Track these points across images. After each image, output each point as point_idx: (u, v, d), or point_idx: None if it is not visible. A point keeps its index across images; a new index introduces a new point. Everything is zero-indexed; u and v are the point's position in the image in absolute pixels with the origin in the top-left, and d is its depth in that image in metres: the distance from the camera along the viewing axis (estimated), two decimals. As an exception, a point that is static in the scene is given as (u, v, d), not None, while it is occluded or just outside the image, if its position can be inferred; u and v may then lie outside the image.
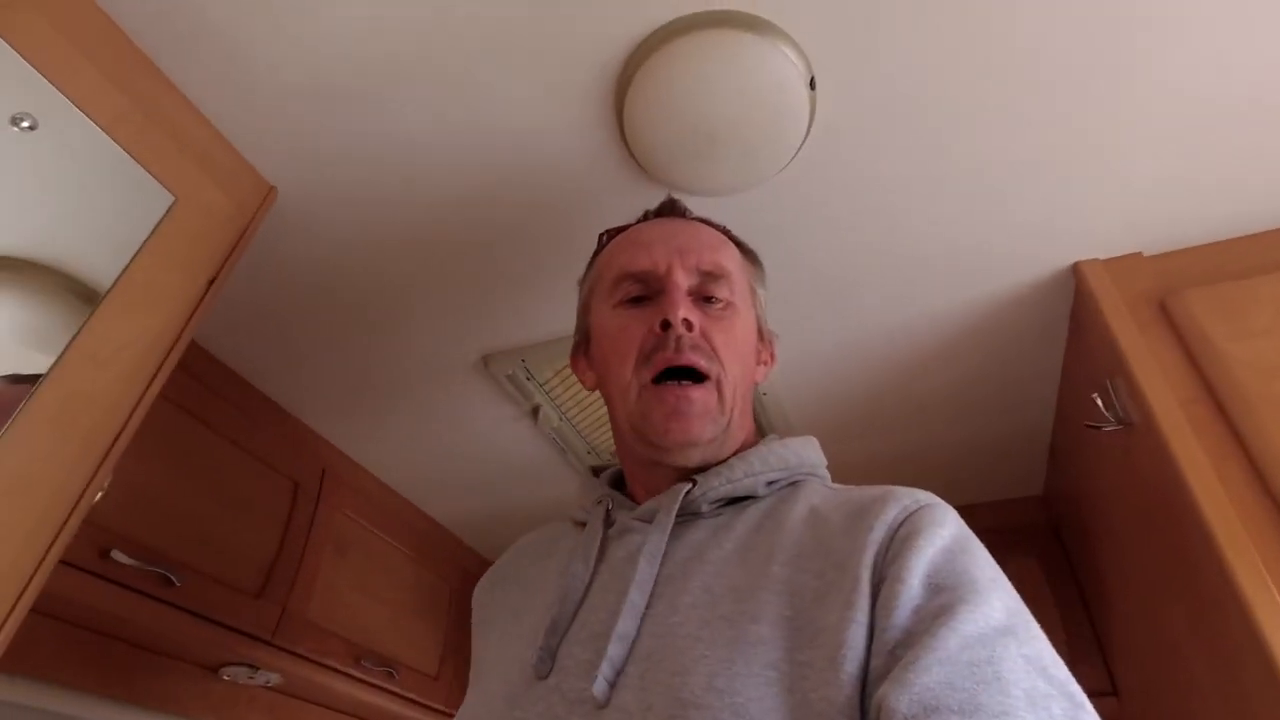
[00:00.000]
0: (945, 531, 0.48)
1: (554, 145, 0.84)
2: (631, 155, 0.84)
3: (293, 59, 0.75)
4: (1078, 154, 0.85)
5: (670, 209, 0.71)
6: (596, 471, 0.70)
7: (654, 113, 0.77)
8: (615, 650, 0.48)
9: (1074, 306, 1.02)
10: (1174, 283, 0.91)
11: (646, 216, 0.72)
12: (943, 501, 0.52)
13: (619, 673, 0.47)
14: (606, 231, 0.73)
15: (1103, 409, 0.92)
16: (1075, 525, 1.29)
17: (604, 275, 0.67)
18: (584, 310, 0.70)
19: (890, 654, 0.42)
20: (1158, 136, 0.83)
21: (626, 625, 0.49)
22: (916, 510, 0.50)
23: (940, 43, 0.74)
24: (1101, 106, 0.80)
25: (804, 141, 0.81)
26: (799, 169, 0.85)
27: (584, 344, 0.70)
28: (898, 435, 1.33)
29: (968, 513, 0.54)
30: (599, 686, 0.46)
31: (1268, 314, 0.83)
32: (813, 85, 0.76)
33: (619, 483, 0.67)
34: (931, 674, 0.39)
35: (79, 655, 0.97)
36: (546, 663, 0.51)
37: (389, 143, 0.83)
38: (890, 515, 0.50)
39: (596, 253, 0.72)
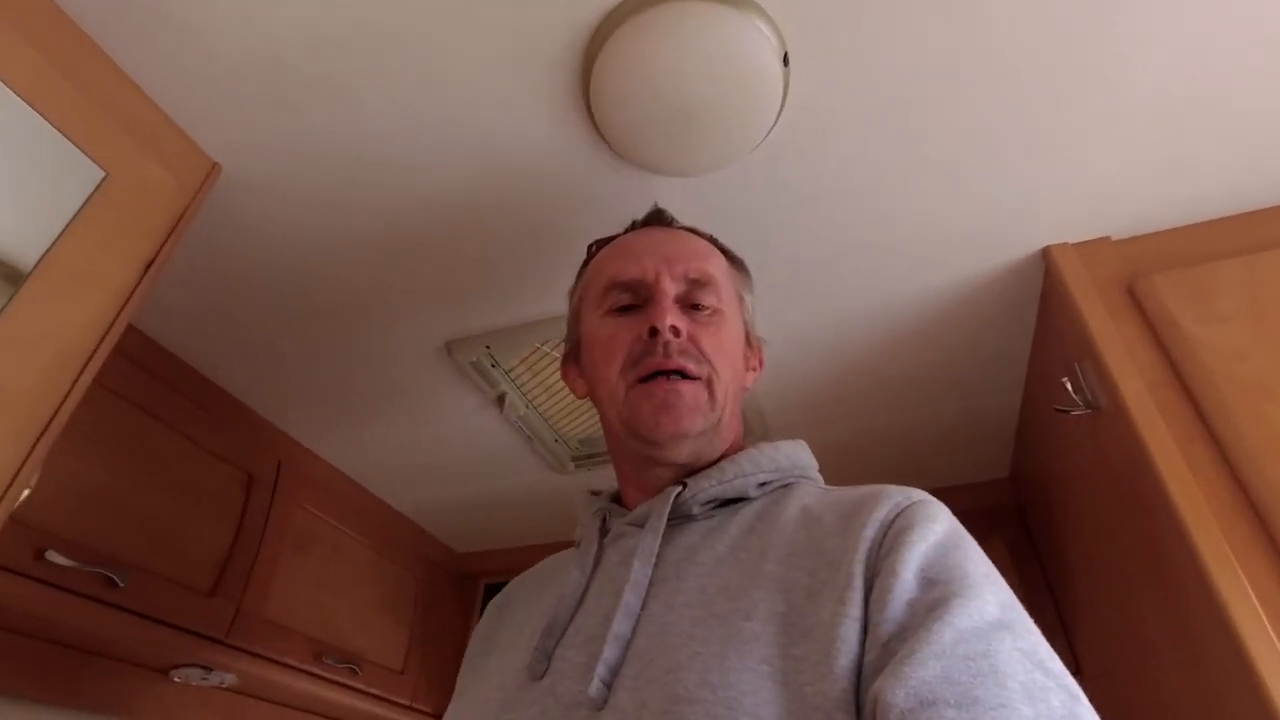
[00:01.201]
0: (938, 527, 0.49)
1: (517, 123, 0.80)
2: (599, 132, 0.80)
3: (236, 28, 0.70)
4: (1048, 140, 0.84)
5: (658, 219, 0.72)
6: (595, 494, 0.70)
7: (622, 87, 0.73)
8: (610, 652, 0.47)
9: (1043, 290, 1.02)
10: (1141, 267, 0.91)
11: (634, 226, 0.73)
12: (934, 498, 0.53)
13: (614, 674, 0.47)
14: (595, 242, 0.74)
15: (1071, 392, 0.92)
16: (1041, 508, 1.30)
17: (593, 284, 0.68)
18: (574, 319, 0.71)
19: (884, 647, 0.42)
20: (1126, 124, 0.83)
21: (621, 627, 0.49)
22: (909, 506, 0.51)
23: (916, 25, 0.72)
24: (1072, 95, 0.79)
25: (777, 120, 0.79)
26: (771, 149, 0.83)
27: (574, 353, 0.70)
28: (866, 420, 1.33)
29: (936, 496, 0.54)
30: (595, 689, 0.46)
31: (1232, 298, 0.84)
32: (786, 61, 0.74)
33: (617, 499, 0.68)
34: (927, 668, 0.39)
35: (14, 661, 0.92)
36: (542, 663, 0.51)
37: (341, 119, 0.79)
38: (883, 512, 0.50)
39: (586, 263, 0.73)
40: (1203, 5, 0.72)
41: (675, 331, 0.59)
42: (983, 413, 1.30)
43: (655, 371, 0.59)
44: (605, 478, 0.96)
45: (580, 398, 0.70)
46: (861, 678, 0.41)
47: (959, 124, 0.82)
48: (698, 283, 0.64)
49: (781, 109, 0.78)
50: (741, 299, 0.69)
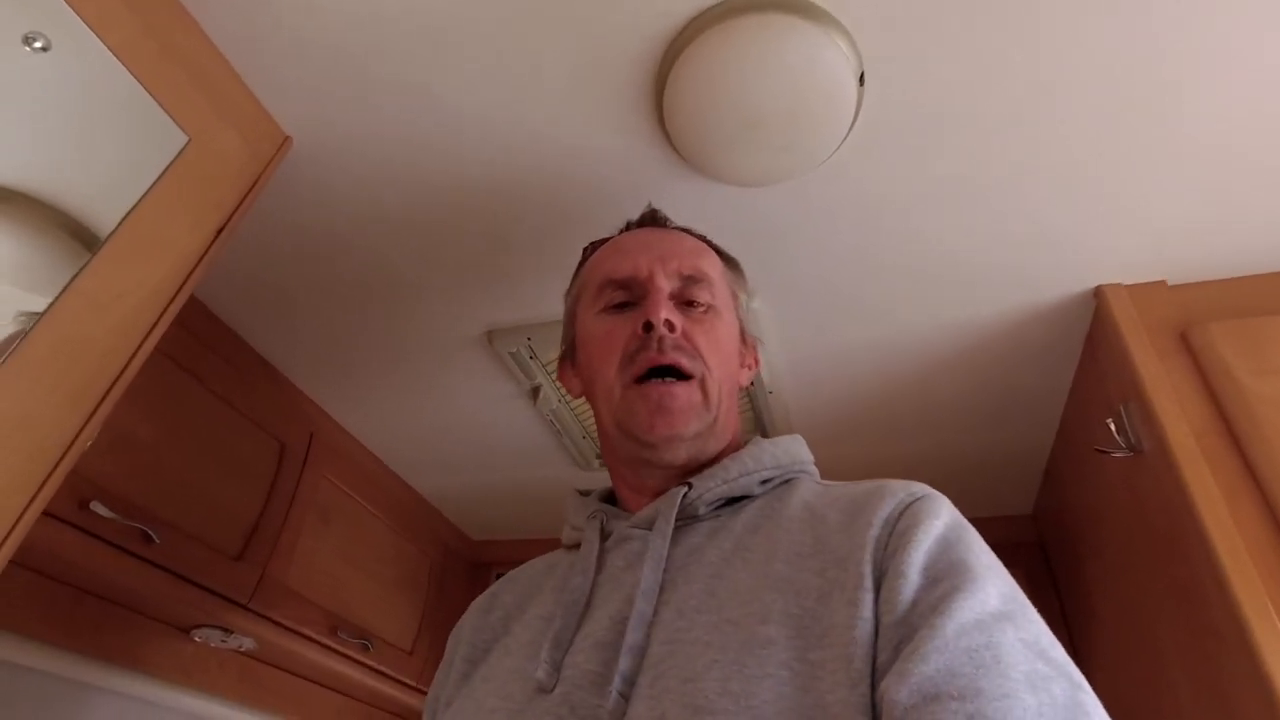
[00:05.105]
0: (939, 522, 0.49)
1: (586, 123, 0.81)
2: (666, 136, 0.81)
3: (320, 6, 0.71)
4: (1109, 181, 0.84)
5: (652, 219, 0.73)
6: (584, 494, 0.69)
7: (696, 94, 0.74)
8: (626, 663, 0.46)
9: (1091, 329, 1.02)
10: (1196, 314, 0.91)
11: (629, 227, 0.73)
12: (936, 492, 0.53)
13: (631, 685, 0.46)
14: (591, 244, 0.75)
15: (1114, 433, 0.91)
16: (1065, 546, 1.29)
17: (588, 284, 0.68)
18: (570, 320, 0.71)
19: (895, 649, 0.42)
20: (1189, 170, 0.82)
21: (635, 636, 0.48)
22: (912, 503, 0.51)
23: (994, 52, 0.72)
24: (1137, 138, 0.79)
25: (845, 138, 0.79)
26: (833, 167, 0.83)
27: (570, 353, 0.71)
28: (895, 444, 1.32)
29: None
30: (613, 701, 0.45)
31: (1290, 352, 0.83)
32: (862, 80, 0.74)
33: (609, 500, 0.67)
34: (930, 662, 0.39)
35: (47, 607, 0.94)
36: (553, 676, 0.50)
37: (411, 106, 0.80)
38: (887, 510, 0.50)
39: (581, 264, 0.74)
40: (1272, 54, 0.71)
41: (670, 326, 0.59)
42: (1014, 446, 1.29)
43: (650, 369, 0.59)
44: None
45: (575, 396, 0.70)
46: (874, 679, 0.41)
47: (1021, 156, 0.82)
48: (692, 279, 0.64)
49: (852, 127, 0.78)
50: (736, 297, 0.70)
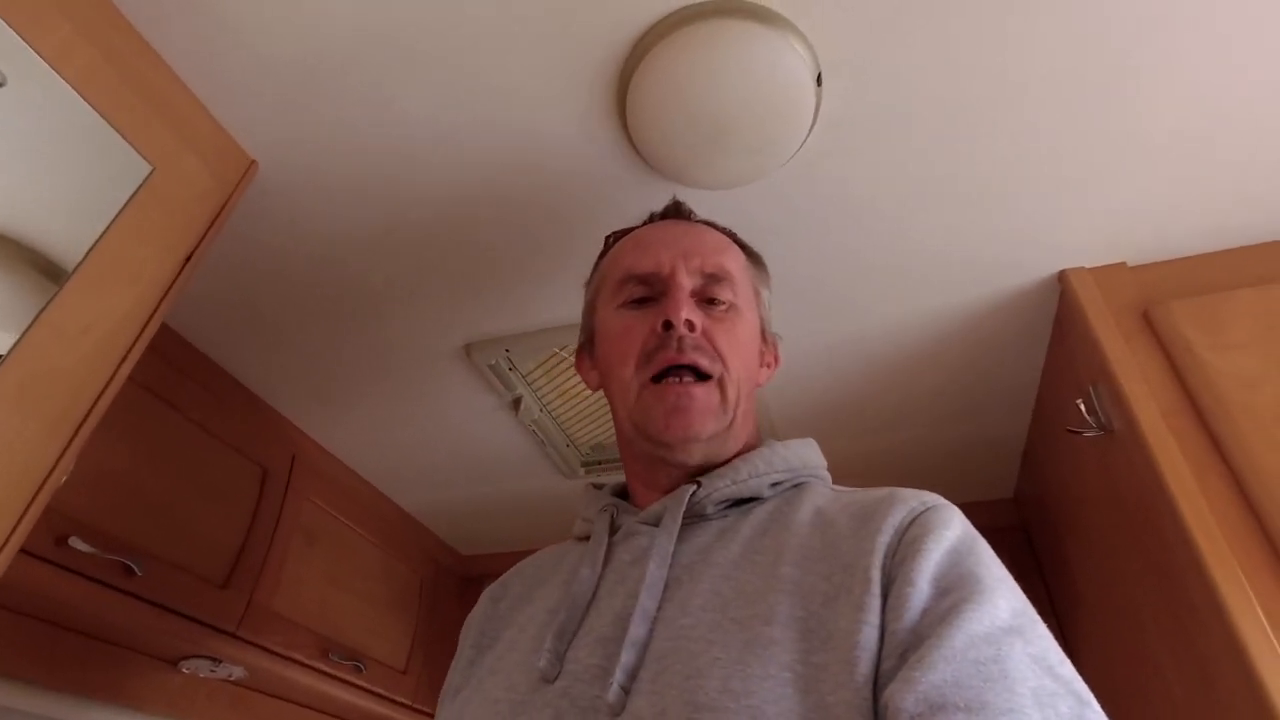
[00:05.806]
0: (951, 533, 0.49)
1: (552, 132, 0.81)
2: (631, 143, 0.82)
3: (280, 26, 0.71)
4: (1068, 167, 0.86)
5: (675, 211, 0.72)
6: (597, 487, 0.69)
7: (657, 99, 0.75)
8: (628, 657, 0.47)
9: (1058, 313, 1.04)
10: (1157, 293, 0.93)
11: (652, 218, 0.72)
12: (948, 502, 0.53)
13: (632, 679, 0.46)
14: (613, 233, 0.74)
15: (1085, 414, 0.93)
16: (1047, 529, 1.31)
17: (609, 276, 0.68)
18: (589, 311, 0.71)
19: (900, 657, 0.42)
20: (1144, 153, 0.84)
21: (638, 631, 0.48)
22: (923, 512, 0.51)
23: (948, 49, 0.74)
24: (1093, 124, 0.81)
25: (806, 138, 0.80)
26: (797, 166, 0.85)
27: (588, 344, 0.70)
28: (876, 437, 1.34)
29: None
30: (614, 694, 0.45)
31: (1246, 327, 0.85)
32: (819, 81, 0.76)
33: (621, 495, 0.67)
34: (937, 672, 0.39)
35: (27, 645, 0.92)
36: (555, 666, 0.50)
37: (378, 121, 0.80)
38: (897, 518, 0.50)
39: (602, 254, 0.73)
40: (1223, 43, 0.74)
41: (690, 326, 0.59)
42: (990, 433, 1.31)
43: (668, 368, 0.59)
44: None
45: (593, 390, 0.69)
46: (878, 686, 0.41)
47: (981, 149, 0.84)
48: (714, 277, 0.63)
49: (812, 128, 0.79)
50: (758, 294, 0.69)
